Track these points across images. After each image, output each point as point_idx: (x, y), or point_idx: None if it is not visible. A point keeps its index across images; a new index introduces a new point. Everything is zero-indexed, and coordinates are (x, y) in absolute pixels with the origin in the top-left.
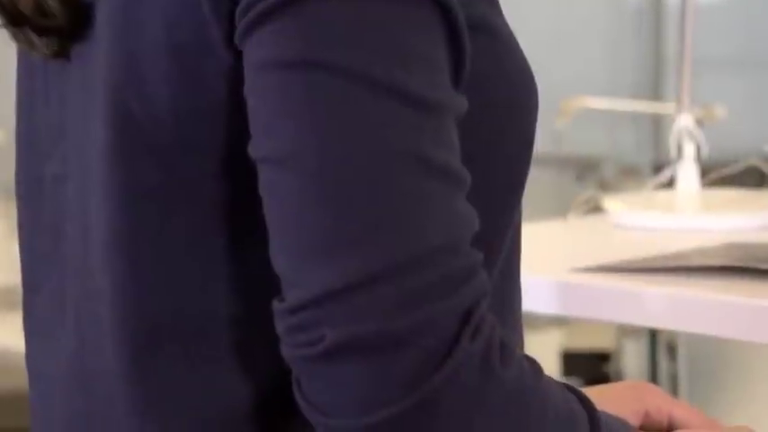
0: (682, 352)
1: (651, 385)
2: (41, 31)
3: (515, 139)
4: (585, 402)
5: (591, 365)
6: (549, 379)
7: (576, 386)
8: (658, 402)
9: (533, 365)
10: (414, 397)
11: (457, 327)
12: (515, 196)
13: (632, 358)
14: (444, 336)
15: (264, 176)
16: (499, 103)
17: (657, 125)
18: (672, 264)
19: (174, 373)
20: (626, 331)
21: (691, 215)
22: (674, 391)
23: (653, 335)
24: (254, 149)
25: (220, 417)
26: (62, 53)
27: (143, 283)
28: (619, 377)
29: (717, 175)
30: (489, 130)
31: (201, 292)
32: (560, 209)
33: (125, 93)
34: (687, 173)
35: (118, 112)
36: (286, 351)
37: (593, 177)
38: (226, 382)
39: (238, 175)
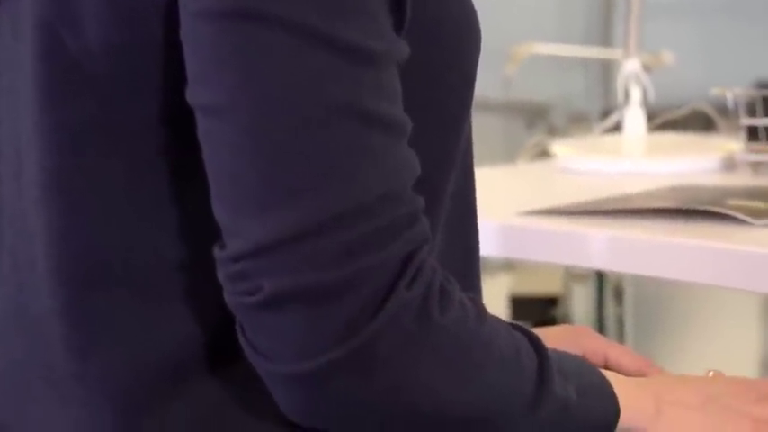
0: (628, 296)
1: (587, 328)
2: None
3: (457, 78)
4: (534, 340)
5: (539, 310)
6: (495, 320)
7: None
8: (594, 345)
9: (477, 307)
10: (350, 344)
11: (394, 275)
12: (457, 135)
13: (580, 302)
14: (381, 285)
15: (201, 124)
16: (443, 44)
17: (607, 72)
18: (617, 206)
19: (115, 316)
20: (574, 276)
21: (637, 159)
22: (621, 334)
23: (600, 279)
24: (191, 96)
25: (164, 361)
26: None
27: (79, 224)
28: (567, 321)
29: (663, 119)
30: (431, 69)
31: (143, 235)
32: (510, 155)
33: (58, 27)
34: (633, 117)
35: (51, 47)
36: (228, 298)
37: (543, 124)
38: (171, 326)
39: (178, 118)
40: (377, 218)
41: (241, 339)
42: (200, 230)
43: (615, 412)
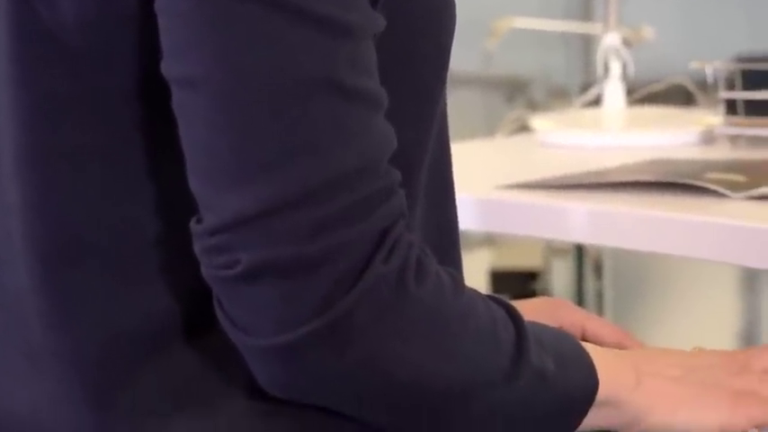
0: (607, 270)
1: (565, 301)
2: None
3: (432, 48)
4: (511, 311)
5: (519, 284)
6: (472, 292)
7: None
8: (572, 317)
9: (453, 280)
10: (327, 316)
11: (370, 249)
12: (432, 107)
13: (560, 277)
14: (357, 258)
15: (176, 97)
16: (417, 14)
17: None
18: (596, 180)
19: (90, 291)
20: (554, 250)
21: (616, 133)
22: (600, 307)
23: (580, 254)
24: (166, 69)
25: (139, 334)
26: None
27: (55, 197)
28: (547, 295)
29: (643, 93)
30: (406, 40)
31: (120, 208)
32: (489, 130)
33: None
34: (613, 91)
35: (25, 20)
36: (205, 272)
37: (523, 98)
38: (146, 299)
39: (153, 91)
40: (353, 191)
41: (218, 313)
42: (176, 204)
43: (594, 383)
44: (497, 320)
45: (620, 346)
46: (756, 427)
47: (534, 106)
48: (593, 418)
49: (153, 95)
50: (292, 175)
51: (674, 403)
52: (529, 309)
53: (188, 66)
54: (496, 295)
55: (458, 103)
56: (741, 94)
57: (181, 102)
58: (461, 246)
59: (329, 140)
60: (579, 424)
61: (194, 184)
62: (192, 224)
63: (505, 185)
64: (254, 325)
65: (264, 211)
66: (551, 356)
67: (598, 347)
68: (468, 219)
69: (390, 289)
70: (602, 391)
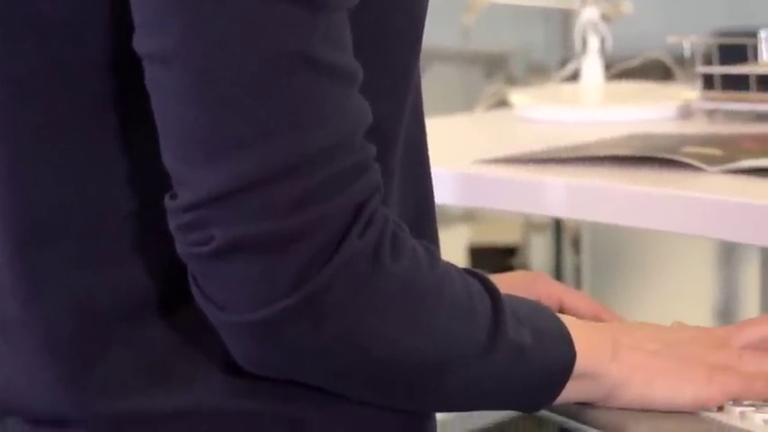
0: (586, 245)
1: (542, 274)
2: None
3: (405, 21)
4: (488, 284)
5: (498, 259)
6: (448, 265)
7: None
8: (549, 290)
9: (429, 253)
10: (303, 291)
11: (346, 223)
12: (407, 81)
13: (538, 252)
14: (333, 233)
15: (150, 73)
16: None
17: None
18: (574, 154)
19: (63, 266)
20: (532, 226)
21: (594, 107)
22: (578, 282)
23: (558, 229)
24: (139, 45)
25: (111, 310)
26: None
27: (25, 172)
28: (525, 270)
29: (621, 68)
30: (379, 12)
31: (91, 185)
32: (468, 105)
33: None
34: (591, 66)
35: None
36: (179, 248)
37: (502, 74)
38: (119, 275)
39: (125, 66)
40: (328, 166)
41: (193, 289)
42: (149, 181)
43: (572, 356)
44: (473, 294)
45: (597, 320)
46: (732, 400)
47: (513, 81)
48: (570, 390)
49: (125, 69)
50: (268, 151)
51: (650, 376)
52: (506, 282)
53: (160, 40)
54: (473, 268)
55: (436, 79)
56: (718, 69)
57: (154, 77)
58: (441, 222)
59: (304, 116)
60: (557, 396)
61: (168, 160)
62: (166, 201)
63: (484, 160)
64: (230, 301)
65: (239, 186)
66: (528, 329)
67: (575, 319)
68: (446, 193)
69: (366, 263)
70: (580, 364)
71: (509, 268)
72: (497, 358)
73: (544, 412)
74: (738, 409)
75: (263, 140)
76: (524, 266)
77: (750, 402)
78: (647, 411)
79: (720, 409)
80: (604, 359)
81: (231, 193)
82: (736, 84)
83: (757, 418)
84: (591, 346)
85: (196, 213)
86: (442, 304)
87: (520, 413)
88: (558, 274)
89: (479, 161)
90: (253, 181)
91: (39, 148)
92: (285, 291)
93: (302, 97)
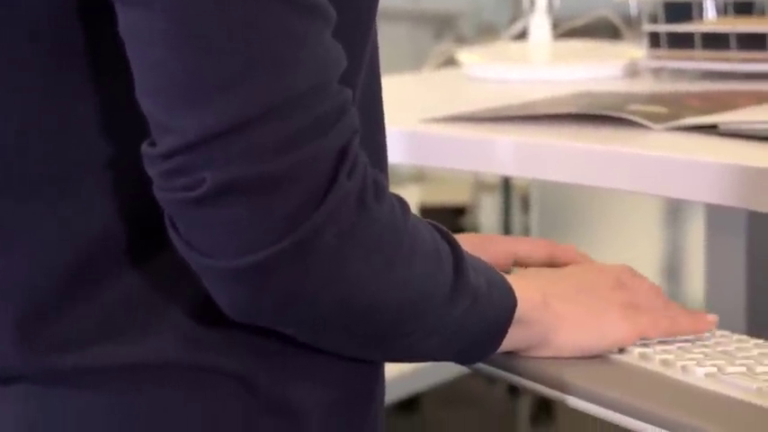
0: (534, 205)
1: (491, 235)
2: None
3: None
4: (446, 235)
5: (448, 219)
6: (416, 217)
7: None
8: (502, 247)
9: (402, 204)
10: (294, 236)
11: (334, 165)
12: (365, 37)
13: (488, 212)
14: (323, 174)
15: (126, 18)
16: None
17: None
18: (522, 112)
19: (22, 216)
20: (482, 186)
21: (542, 66)
22: None
23: (507, 189)
24: None
25: (75, 262)
26: None
27: None
28: (475, 230)
29: (568, 27)
30: None
31: (62, 134)
32: (417, 66)
33: None
34: (539, 25)
35: None
36: (161, 195)
37: (451, 34)
38: (87, 224)
39: (97, 11)
40: (313, 107)
41: (173, 236)
42: (121, 127)
43: (514, 303)
44: (438, 242)
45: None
46: (642, 339)
47: (462, 41)
48: (508, 338)
49: (95, 15)
50: (252, 91)
51: (578, 323)
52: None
53: None
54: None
55: (385, 38)
56: (664, 27)
57: (129, 21)
58: (391, 182)
59: (287, 55)
60: (500, 343)
61: (148, 106)
62: (144, 148)
63: (432, 119)
64: (217, 247)
65: (227, 128)
66: (483, 278)
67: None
68: (394, 152)
69: (354, 207)
70: (519, 310)
71: (459, 228)
72: (459, 303)
73: (489, 368)
74: (639, 350)
75: (247, 81)
76: (474, 226)
77: (657, 341)
78: (574, 358)
79: (622, 350)
80: (537, 306)
81: (219, 135)
82: (682, 42)
83: (699, 371)
84: (524, 294)
85: (182, 158)
86: (417, 249)
87: (468, 371)
88: (507, 233)
89: (428, 120)
90: (239, 122)
91: (8, 97)
92: (275, 235)
93: (284, 36)
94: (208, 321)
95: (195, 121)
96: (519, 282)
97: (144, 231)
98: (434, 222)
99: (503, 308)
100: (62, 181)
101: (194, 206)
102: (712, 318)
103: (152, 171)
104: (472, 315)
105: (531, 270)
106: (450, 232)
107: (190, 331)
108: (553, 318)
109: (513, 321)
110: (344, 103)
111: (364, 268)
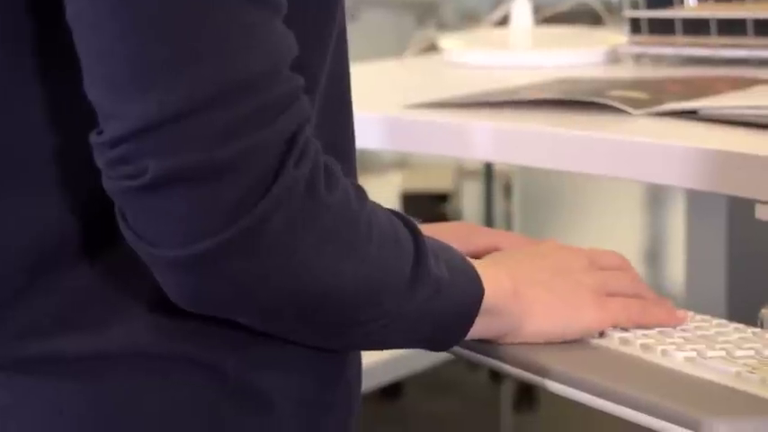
0: (516, 192)
1: (476, 226)
2: None
3: None
4: (408, 223)
5: (430, 206)
6: (374, 204)
7: None
8: (485, 240)
9: (358, 191)
10: (240, 224)
11: (282, 153)
12: (331, 17)
13: (470, 198)
14: (269, 162)
15: (74, 5)
16: None
17: None
18: (503, 98)
19: None
20: (464, 172)
21: (523, 52)
22: (509, 227)
23: (489, 175)
24: None
25: (29, 254)
26: None
27: None
28: (457, 217)
29: (550, 12)
30: None
31: (11, 125)
32: (399, 52)
33: None
34: (521, 11)
35: None
36: (108, 184)
37: (434, 20)
38: (40, 216)
39: (40, 3)
40: (260, 94)
41: (122, 226)
42: (72, 120)
43: (481, 291)
44: (398, 230)
45: None
46: (614, 325)
47: (445, 27)
48: (475, 327)
49: (41, 5)
50: (197, 78)
51: (548, 311)
52: (442, 233)
53: None
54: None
55: (368, 25)
56: (645, 13)
57: (79, 9)
58: (374, 169)
59: (233, 42)
60: (467, 332)
61: (94, 95)
62: (92, 137)
63: (414, 104)
64: (163, 237)
65: (171, 116)
66: (444, 265)
67: (475, 260)
68: (376, 138)
69: (303, 194)
70: (486, 299)
71: (441, 214)
72: (420, 291)
73: (470, 353)
74: (619, 335)
75: (192, 67)
76: (456, 212)
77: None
78: (556, 343)
79: (602, 334)
80: (506, 294)
81: (162, 123)
82: (663, 28)
83: (679, 356)
84: (493, 282)
85: (126, 146)
86: (373, 236)
87: (451, 357)
88: (489, 219)
89: (409, 105)
90: (184, 109)
91: None
92: (221, 224)
93: (230, 23)
94: (177, 311)
95: (139, 107)
96: (489, 270)
97: (103, 222)
98: (397, 211)
99: (469, 295)
100: (14, 174)
101: (139, 195)
102: (682, 314)
103: (99, 160)
104: (435, 304)
105: (505, 252)
106: (413, 221)
107: (159, 320)
108: (523, 306)
109: (482, 311)
110: (295, 90)
111: (315, 257)
